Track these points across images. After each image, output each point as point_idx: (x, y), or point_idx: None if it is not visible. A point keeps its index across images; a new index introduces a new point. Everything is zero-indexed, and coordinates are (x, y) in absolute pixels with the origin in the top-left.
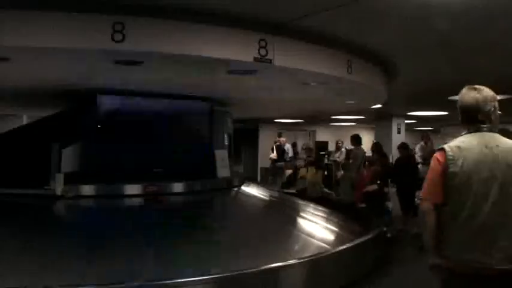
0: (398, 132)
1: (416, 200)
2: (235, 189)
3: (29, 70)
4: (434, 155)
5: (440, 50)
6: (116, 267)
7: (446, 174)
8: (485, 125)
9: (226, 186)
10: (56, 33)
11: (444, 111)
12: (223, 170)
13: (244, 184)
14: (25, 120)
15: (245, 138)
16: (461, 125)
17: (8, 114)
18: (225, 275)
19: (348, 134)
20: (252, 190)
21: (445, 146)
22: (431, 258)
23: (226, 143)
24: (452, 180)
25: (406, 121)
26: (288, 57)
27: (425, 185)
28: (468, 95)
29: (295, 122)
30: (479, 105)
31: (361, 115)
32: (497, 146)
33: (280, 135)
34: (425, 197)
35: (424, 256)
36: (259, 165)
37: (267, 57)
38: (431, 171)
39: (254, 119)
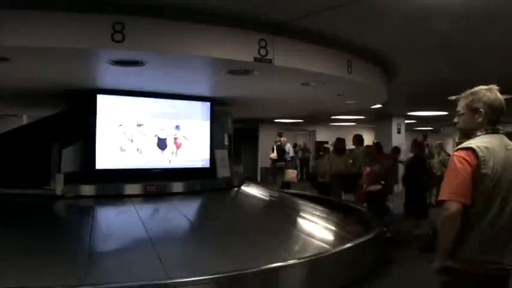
0: (399, 132)
1: (428, 201)
2: (235, 189)
3: (29, 70)
4: (458, 154)
5: (441, 51)
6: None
7: (477, 175)
8: (500, 127)
9: (226, 186)
10: (56, 33)
11: (444, 111)
12: (223, 170)
13: (244, 184)
14: (25, 120)
15: (245, 138)
16: (480, 126)
17: (8, 114)
18: (225, 275)
19: (347, 134)
20: (251, 190)
21: (474, 146)
22: (440, 260)
23: (226, 143)
24: (483, 181)
25: (406, 121)
26: (288, 57)
27: (451, 185)
28: (496, 95)
29: (295, 122)
30: (503, 107)
31: (361, 115)
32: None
33: (280, 135)
34: (453, 198)
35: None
36: (259, 165)
37: (267, 57)
38: (461, 171)
39: (254, 119)
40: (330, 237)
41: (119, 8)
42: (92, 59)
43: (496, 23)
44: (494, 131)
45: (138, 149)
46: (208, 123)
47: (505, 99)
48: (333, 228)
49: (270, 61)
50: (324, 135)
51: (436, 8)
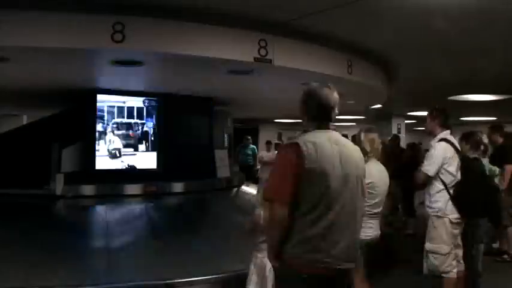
0: (398, 132)
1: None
2: (235, 189)
3: (29, 70)
4: (282, 150)
5: (440, 51)
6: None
7: (301, 171)
8: (331, 124)
9: (226, 186)
10: (56, 33)
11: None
12: (223, 170)
13: (244, 184)
14: (25, 120)
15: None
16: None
17: (8, 114)
18: (225, 275)
19: (348, 134)
20: (251, 190)
21: (299, 141)
22: (270, 258)
23: (226, 143)
24: (307, 178)
25: (406, 121)
26: (288, 57)
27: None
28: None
29: (295, 122)
30: (331, 104)
31: (361, 115)
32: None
33: (280, 135)
34: (277, 198)
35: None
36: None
37: (267, 57)
38: (283, 169)
39: (254, 119)
40: None
41: (119, 8)
42: (92, 59)
43: (491, 24)
44: (324, 127)
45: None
46: None
47: (504, 99)
48: None
49: (270, 61)
50: None
51: (435, 9)
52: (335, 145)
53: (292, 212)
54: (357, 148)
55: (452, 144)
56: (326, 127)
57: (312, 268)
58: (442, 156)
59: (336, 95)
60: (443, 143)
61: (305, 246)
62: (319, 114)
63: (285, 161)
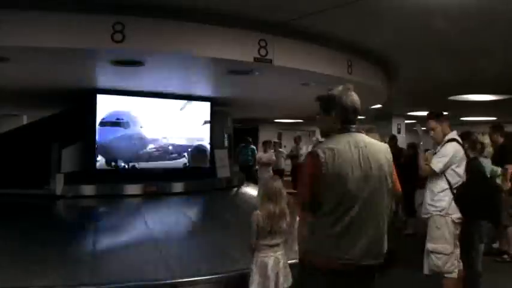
0: (399, 132)
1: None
2: (235, 189)
3: (29, 70)
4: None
5: (440, 51)
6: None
7: (320, 175)
8: (353, 126)
9: (226, 186)
10: (56, 33)
11: (444, 111)
12: (223, 170)
13: (244, 184)
14: (25, 120)
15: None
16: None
17: (8, 114)
18: (225, 275)
19: None
20: (251, 190)
21: (317, 149)
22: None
23: (226, 143)
24: (326, 181)
25: (406, 121)
26: (288, 57)
27: (299, 189)
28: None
29: (295, 122)
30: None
31: (361, 115)
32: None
33: (280, 135)
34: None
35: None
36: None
37: (267, 57)
38: (305, 175)
39: (254, 119)
40: None
41: (119, 8)
42: (92, 59)
43: (491, 24)
44: (345, 131)
45: None
46: None
47: (504, 99)
48: None
49: (270, 61)
50: None
51: (435, 9)
52: (355, 148)
53: (314, 212)
54: (382, 148)
55: (462, 145)
56: (348, 130)
57: (331, 264)
58: (452, 155)
59: (356, 97)
60: (454, 143)
61: (326, 244)
62: (341, 118)
63: (305, 168)
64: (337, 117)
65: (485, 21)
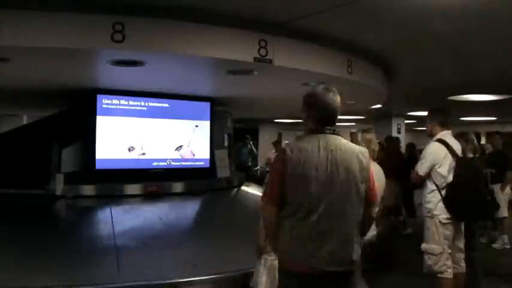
0: (399, 132)
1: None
2: (235, 189)
3: (29, 70)
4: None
5: (440, 51)
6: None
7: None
8: (328, 127)
9: (226, 186)
10: (56, 33)
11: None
12: (223, 170)
13: (244, 184)
14: (25, 120)
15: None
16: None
17: (8, 114)
18: (225, 275)
19: (347, 134)
20: (252, 190)
21: (286, 147)
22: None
23: (226, 143)
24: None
25: (406, 121)
26: (288, 57)
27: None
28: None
29: (295, 122)
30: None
31: (361, 115)
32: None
33: (280, 135)
34: (268, 202)
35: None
36: (259, 165)
37: (267, 57)
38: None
39: (254, 119)
40: None
41: (119, 8)
42: (92, 59)
43: (491, 25)
44: (318, 131)
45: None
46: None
47: (504, 99)
48: None
49: (270, 61)
50: None
51: (435, 9)
52: (323, 150)
53: (279, 212)
54: (356, 152)
55: (447, 145)
56: (322, 131)
57: (299, 267)
58: (432, 156)
59: (337, 98)
60: (436, 143)
61: (293, 246)
62: (317, 118)
63: (273, 167)
64: (313, 116)
65: (485, 21)
